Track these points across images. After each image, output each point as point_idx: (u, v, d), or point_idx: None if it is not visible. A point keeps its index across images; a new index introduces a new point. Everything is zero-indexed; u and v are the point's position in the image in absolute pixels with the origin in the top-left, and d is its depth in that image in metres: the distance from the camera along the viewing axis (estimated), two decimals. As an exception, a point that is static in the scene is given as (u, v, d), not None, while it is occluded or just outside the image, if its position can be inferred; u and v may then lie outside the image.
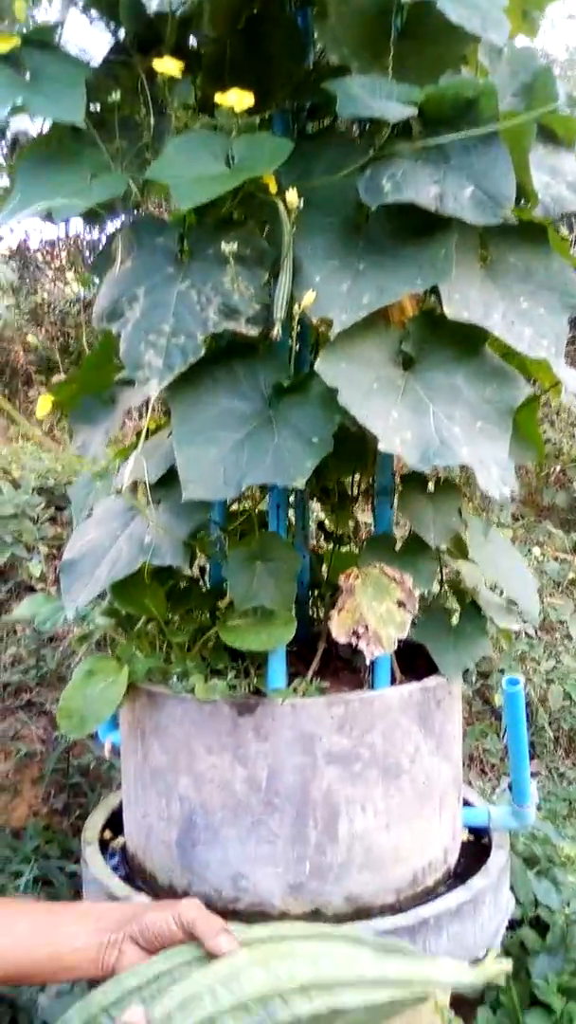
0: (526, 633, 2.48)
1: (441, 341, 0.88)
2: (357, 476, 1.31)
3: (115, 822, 1.21)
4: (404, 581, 1.01)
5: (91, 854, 1.11)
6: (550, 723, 2.16)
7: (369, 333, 0.86)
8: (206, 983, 0.68)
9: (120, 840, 1.18)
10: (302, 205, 0.84)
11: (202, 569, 1.25)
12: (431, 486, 1.05)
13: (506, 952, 1.25)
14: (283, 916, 0.97)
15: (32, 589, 2.04)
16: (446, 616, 1.10)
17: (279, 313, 0.84)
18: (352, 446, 1.18)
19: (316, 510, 1.40)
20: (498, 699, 2.14)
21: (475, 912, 1.01)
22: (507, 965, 0.78)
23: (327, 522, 1.33)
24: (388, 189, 0.81)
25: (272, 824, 0.96)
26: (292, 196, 0.79)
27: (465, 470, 1.14)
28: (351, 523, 1.34)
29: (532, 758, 2.12)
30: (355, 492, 1.33)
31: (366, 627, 0.99)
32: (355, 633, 0.99)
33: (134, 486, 0.95)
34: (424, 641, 1.07)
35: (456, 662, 1.07)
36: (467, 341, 0.89)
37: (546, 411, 3.50)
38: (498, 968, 0.77)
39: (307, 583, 1.28)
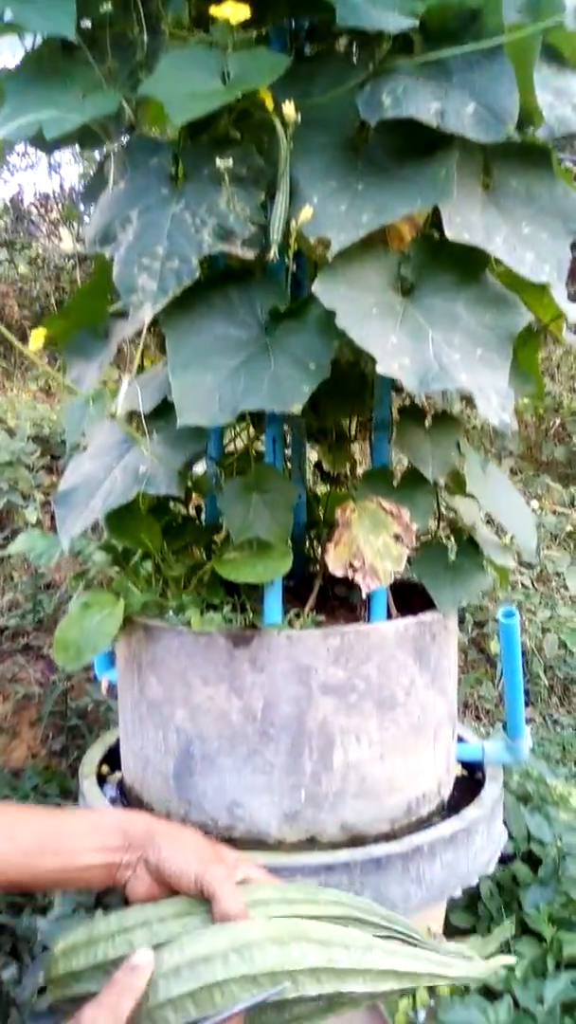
0: (522, 584, 2.49)
1: (441, 266, 0.87)
2: (355, 417, 1.30)
3: (112, 758, 1.22)
4: (401, 515, 1.01)
5: (88, 787, 1.13)
6: (545, 671, 2.17)
7: (368, 257, 0.85)
8: (220, 947, 0.67)
9: (117, 775, 1.19)
10: (300, 122, 0.81)
11: (198, 508, 1.24)
12: (429, 420, 1.04)
13: (498, 885, 1.27)
14: (279, 844, 0.98)
15: (29, 536, 2.03)
16: (443, 552, 1.10)
17: (276, 235, 0.82)
18: (350, 384, 1.18)
19: (313, 464, 1.38)
20: (494, 647, 2.15)
21: (469, 841, 1.02)
22: (511, 959, 0.78)
23: (324, 463, 1.32)
24: (388, 104, 0.79)
25: (268, 754, 0.97)
26: (289, 109, 0.77)
27: (464, 404, 1.13)
28: (348, 465, 1.33)
29: (527, 705, 2.13)
30: (352, 431, 1.32)
31: (362, 560, 0.99)
32: (351, 566, 0.99)
33: (129, 416, 0.94)
34: (421, 577, 1.07)
35: (453, 598, 1.07)
36: (467, 266, 0.87)
37: (546, 364, 3.47)
38: (501, 963, 0.77)
39: (303, 523, 1.28)
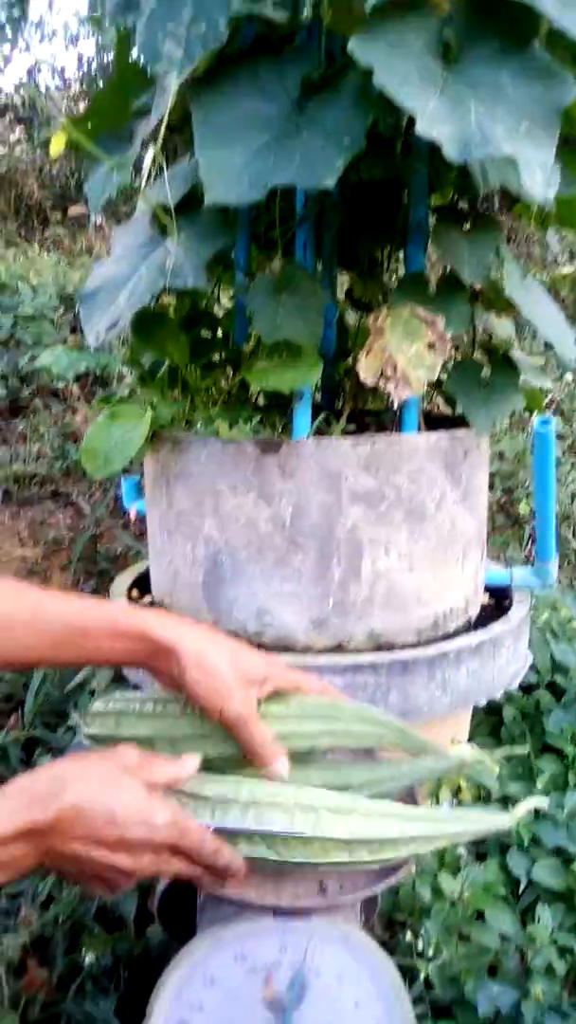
0: (553, 452, 2.44)
1: (487, 31, 0.80)
2: (387, 245, 1.25)
3: (142, 584, 1.24)
4: (436, 323, 0.97)
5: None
6: (574, 535, 2.16)
7: (408, 17, 0.78)
8: (248, 825, 0.66)
9: (147, 599, 1.20)
10: None
11: (226, 335, 1.21)
12: (468, 222, 0.99)
13: (521, 713, 1.29)
14: (306, 649, 0.99)
15: (54, 393, 2.02)
16: (477, 370, 1.07)
17: (309, -10, 0.76)
18: (384, 201, 1.12)
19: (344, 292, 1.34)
20: (522, 509, 2.14)
21: (494, 653, 1.03)
22: (542, 801, 0.74)
23: (355, 290, 1.28)
24: None
25: (296, 562, 0.97)
26: None
27: (503, 203, 1.07)
28: (380, 294, 1.29)
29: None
30: (384, 260, 1.27)
31: (394, 368, 0.96)
32: (383, 374, 0.96)
33: (154, 219, 0.90)
34: (455, 394, 1.05)
35: (486, 416, 1.04)
36: (515, 31, 0.80)
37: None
38: (531, 805, 0.74)
39: (334, 350, 1.25)
